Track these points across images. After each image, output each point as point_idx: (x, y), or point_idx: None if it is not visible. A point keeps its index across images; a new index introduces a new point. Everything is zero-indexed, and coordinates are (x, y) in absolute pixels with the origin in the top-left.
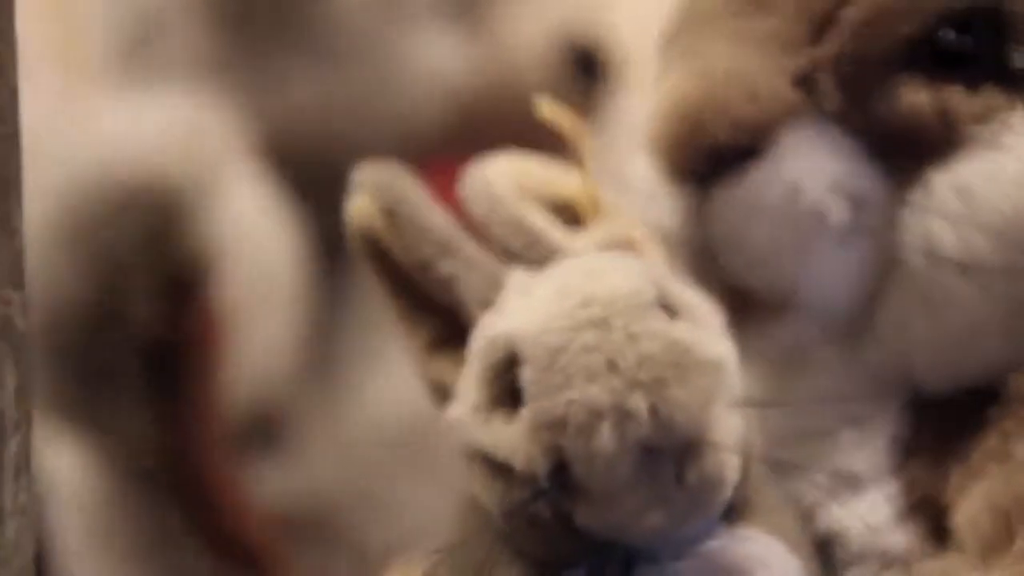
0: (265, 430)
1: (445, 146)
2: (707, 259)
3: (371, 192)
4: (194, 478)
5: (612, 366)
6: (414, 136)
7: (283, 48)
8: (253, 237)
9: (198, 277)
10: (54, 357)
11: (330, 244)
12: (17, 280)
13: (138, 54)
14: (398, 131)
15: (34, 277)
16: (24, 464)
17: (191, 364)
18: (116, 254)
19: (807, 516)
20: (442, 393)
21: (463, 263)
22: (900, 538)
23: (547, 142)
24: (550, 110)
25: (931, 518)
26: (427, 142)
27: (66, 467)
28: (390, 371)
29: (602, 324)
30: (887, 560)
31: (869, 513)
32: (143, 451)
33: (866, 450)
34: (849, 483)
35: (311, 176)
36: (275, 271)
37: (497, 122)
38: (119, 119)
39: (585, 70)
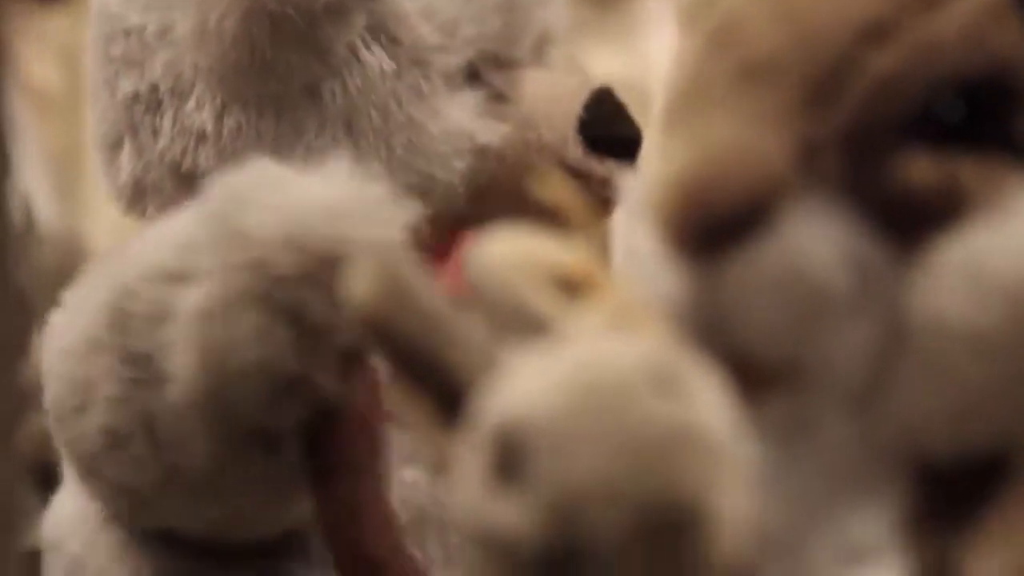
0: None
1: (469, 214)
2: (712, 330)
3: (371, 273)
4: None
5: (615, 447)
6: (439, 204)
7: (307, 128)
8: None
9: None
10: (215, 418)
11: None
12: None
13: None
14: (422, 201)
15: (217, 339)
16: None
17: (358, 439)
18: (309, 318)
19: None
20: (443, 471)
21: (462, 343)
22: None
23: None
24: (551, 186)
25: None
26: (452, 210)
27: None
28: None
29: (604, 405)
30: None
31: None
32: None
33: (873, 522)
34: (857, 556)
35: None
36: None
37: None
38: (307, 187)
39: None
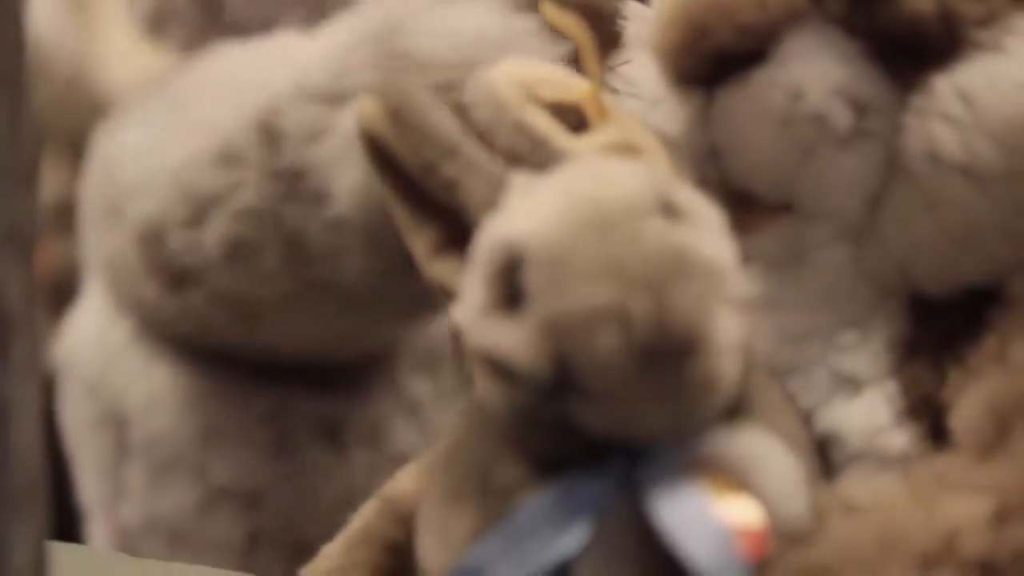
0: None
1: None
2: (710, 162)
3: (377, 95)
4: None
5: (614, 269)
6: None
7: None
8: None
9: None
10: (373, 235)
11: None
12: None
13: None
14: None
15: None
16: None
17: None
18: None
19: (806, 416)
20: (446, 294)
21: (467, 166)
22: (898, 438)
23: None
24: (555, 14)
25: (929, 419)
26: None
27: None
28: None
29: (604, 227)
30: (885, 460)
31: (868, 414)
32: None
33: (866, 351)
34: (848, 384)
35: None
36: None
37: None
38: (461, 16)
39: None
